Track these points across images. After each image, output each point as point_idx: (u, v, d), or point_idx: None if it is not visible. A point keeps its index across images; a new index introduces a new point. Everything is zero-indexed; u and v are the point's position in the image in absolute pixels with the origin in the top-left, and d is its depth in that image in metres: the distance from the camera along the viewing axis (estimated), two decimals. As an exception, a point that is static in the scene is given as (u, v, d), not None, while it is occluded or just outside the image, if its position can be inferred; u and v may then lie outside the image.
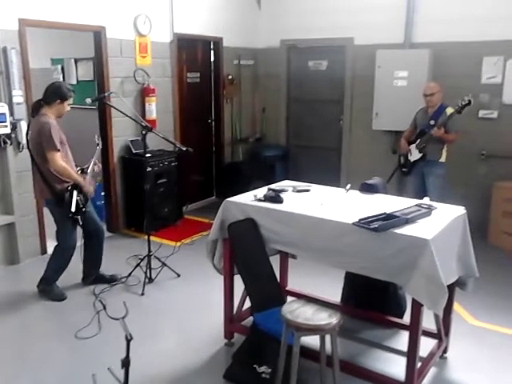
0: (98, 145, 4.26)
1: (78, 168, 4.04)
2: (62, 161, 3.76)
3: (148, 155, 5.13)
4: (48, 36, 5.95)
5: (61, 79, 6.78)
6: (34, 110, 3.86)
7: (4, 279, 4.43)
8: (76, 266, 4.19)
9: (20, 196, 4.67)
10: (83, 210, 3.91)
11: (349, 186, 3.51)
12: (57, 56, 6.77)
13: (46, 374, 3.09)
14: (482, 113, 5.63)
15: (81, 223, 3.93)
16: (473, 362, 3.23)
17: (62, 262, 4.07)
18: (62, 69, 6.77)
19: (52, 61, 6.87)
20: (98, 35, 5.20)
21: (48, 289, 4.07)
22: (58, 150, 3.73)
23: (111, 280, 4.31)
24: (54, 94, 3.82)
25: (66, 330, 3.55)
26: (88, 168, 4.06)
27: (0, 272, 4.50)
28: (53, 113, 3.83)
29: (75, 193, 3.84)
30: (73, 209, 3.79)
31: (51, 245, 4.64)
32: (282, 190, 3.38)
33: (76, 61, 6.60)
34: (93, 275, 4.27)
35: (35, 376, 3.07)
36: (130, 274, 4.39)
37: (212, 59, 6.79)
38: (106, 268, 4.39)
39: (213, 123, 6.97)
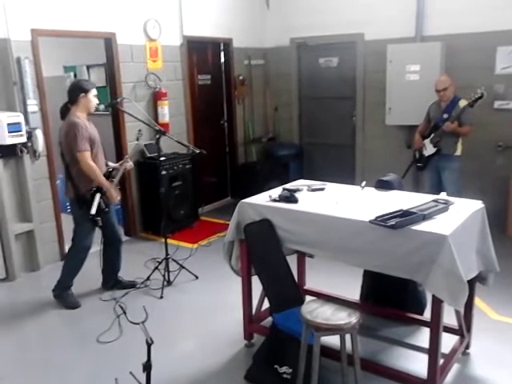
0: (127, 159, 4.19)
1: (109, 167, 4.07)
2: (90, 160, 3.79)
3: (162, 158, 5.16)
4: (60, 44, 6.01)
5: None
6: (62, 112, 3.92)
7: (25, 286, 4.50)
8: (96, 270, 4.25)
9: (38, 203, 4.74)
10: (105, 210, 3.91)
11: (364, 183, 3.49)
12: (69, 63, 6.85)
13: (70, 378, 3.13)
14: (497, 104, 5.54)
15: (100, 224, 3.93)
16: (496, 357, 3.19)
17: (75, 263, 4.09)
18: (75, 76, 6.85)
19: (65, 68, 6.94)
20: (109, 41, 5.25)
21: (63, 295, 4.10)
22: (87, 150, 3.77)
23: (130, 286, 4.34)
24: (75, 89, 3.86)
25: (88, 335, 3.59)
26: (116, 170, 4.09)
27: (21, 279, 4.57)
28: (81, 110, 3.86)
29: (98, 195, 3.86)
30: (93, 211, 3.80)
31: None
32: (297, 190, 3.37)
33: (88, 67, 6.66)
34: (110, 281, 4.32)
35: (59, 381, 3.11)
36: (148, 278, 4.42)
37: (222, 60, 6.81)
38: (125, 271, 4.42)
39: (225, 124, 6.99)
